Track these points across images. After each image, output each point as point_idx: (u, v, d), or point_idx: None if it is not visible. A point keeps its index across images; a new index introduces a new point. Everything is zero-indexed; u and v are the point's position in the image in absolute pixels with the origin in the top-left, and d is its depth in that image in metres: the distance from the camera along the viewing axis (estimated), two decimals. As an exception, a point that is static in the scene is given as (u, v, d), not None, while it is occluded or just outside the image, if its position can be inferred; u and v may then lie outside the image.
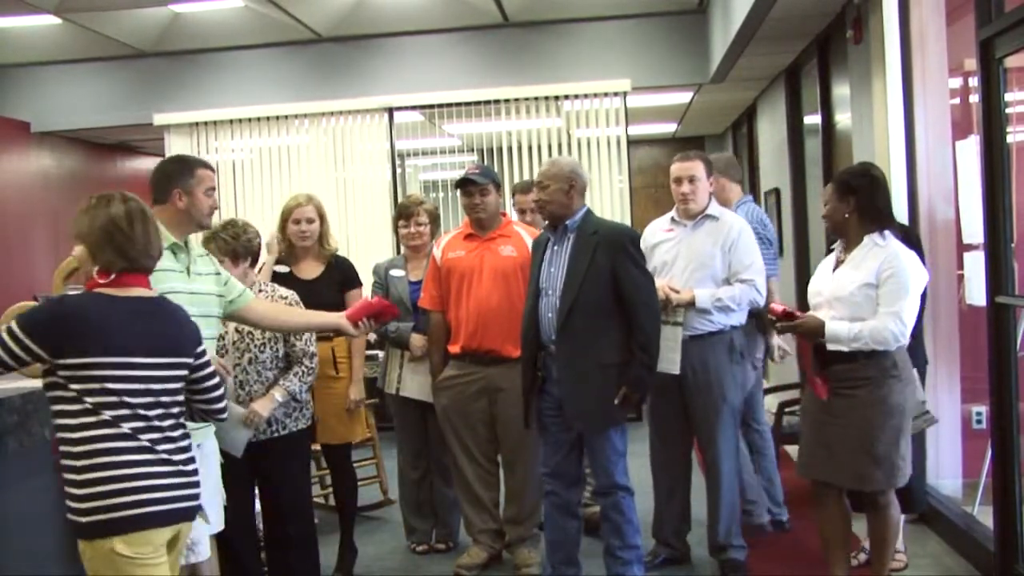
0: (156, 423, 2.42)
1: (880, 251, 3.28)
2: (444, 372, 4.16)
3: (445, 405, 4.15)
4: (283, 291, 3.70)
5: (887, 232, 3.32)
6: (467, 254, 4.10)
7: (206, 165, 3.14)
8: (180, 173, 3.03)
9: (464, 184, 4.10)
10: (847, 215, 3.34)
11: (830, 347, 3.35)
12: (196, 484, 2.50)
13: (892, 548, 3.51)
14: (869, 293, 3.26)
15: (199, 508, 2.53)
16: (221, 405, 2.68)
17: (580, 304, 3.52)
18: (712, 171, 4.08)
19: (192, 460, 2.53)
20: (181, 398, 2.54)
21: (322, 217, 4.18)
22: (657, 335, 3.60)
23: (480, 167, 4.21)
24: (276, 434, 3.54)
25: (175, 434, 2.48)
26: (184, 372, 2.52)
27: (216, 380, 2.65)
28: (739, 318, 3.95)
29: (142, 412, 2.39)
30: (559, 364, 3.58)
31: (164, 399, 2.45)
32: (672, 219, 4.07)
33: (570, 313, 3.53)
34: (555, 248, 3.66)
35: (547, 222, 3.75)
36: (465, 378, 4.09)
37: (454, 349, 4.11)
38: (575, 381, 3.53)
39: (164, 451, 2.42)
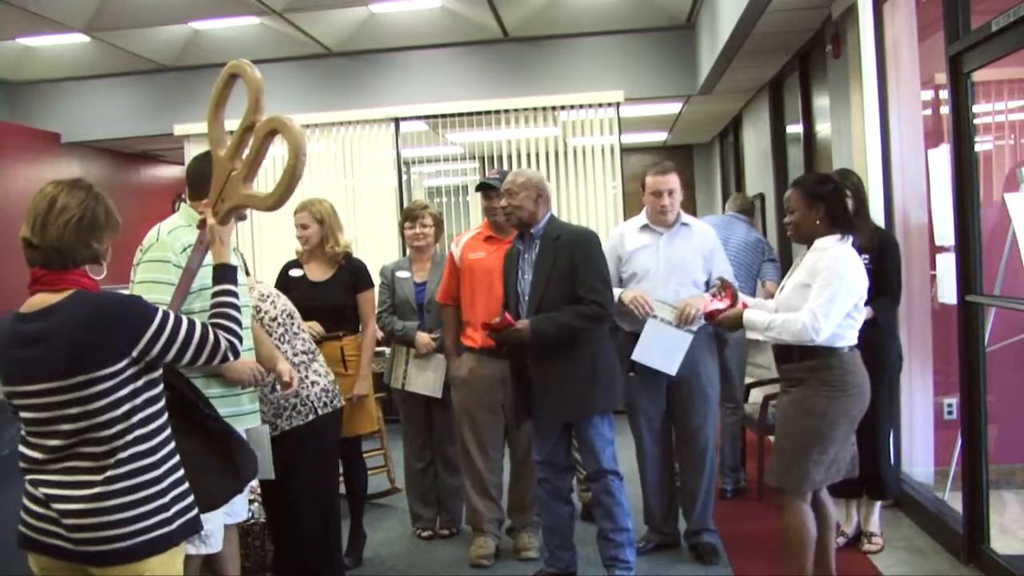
0: (46, 445, 2.06)
1: (821, 254, 3.14)
2: (463, 365, 4.11)
3: (465, 397, 4.12)
4: (265, 290, 3.55)
5: (848, 237, 3.18)
6: (487, 255, 4.07)
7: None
8: None
9: (483, 188, 4.09)
10: (817, 222, 3.18)
11: (749, 335, 3.34)
12: (56, 522, 2.04)
13: (797, 560, 3.15)
14: (804, 293, 3.12)
15: (65, 551, 2.06)
16: (218, 358, 2.21)
17: (546, 304, 3.53)
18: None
19: (74, 499, 2.03)
20: (93, 421, 2.03)
21: (321, 221, 4.06)
22: (577, 328, 3.52)
23: (500, 172, 4.18)
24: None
25: (64, 466, 2.04)
26: (91, 390, 2.01)
27: (192, 349, 2.14)
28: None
29: (33, 440, 2.09)
30: (534, 361, 3.58)
31: (64, 426, 2.03)
32: (646, 226, 4.01)
33: (538, 313, 3.54)
34: (525, 256, 3.68)
35: (515, 229, 3.73)
36: (483, 370, 4.06)
37: (472, 343, 4.09)
38: (549, 376, 3.54)
39: (29, 481, 2.09)
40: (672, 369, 3.87)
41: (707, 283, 3.92)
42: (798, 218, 3.22)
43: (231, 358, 2.25)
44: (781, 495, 3.18)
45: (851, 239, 3.18)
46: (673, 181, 3.95)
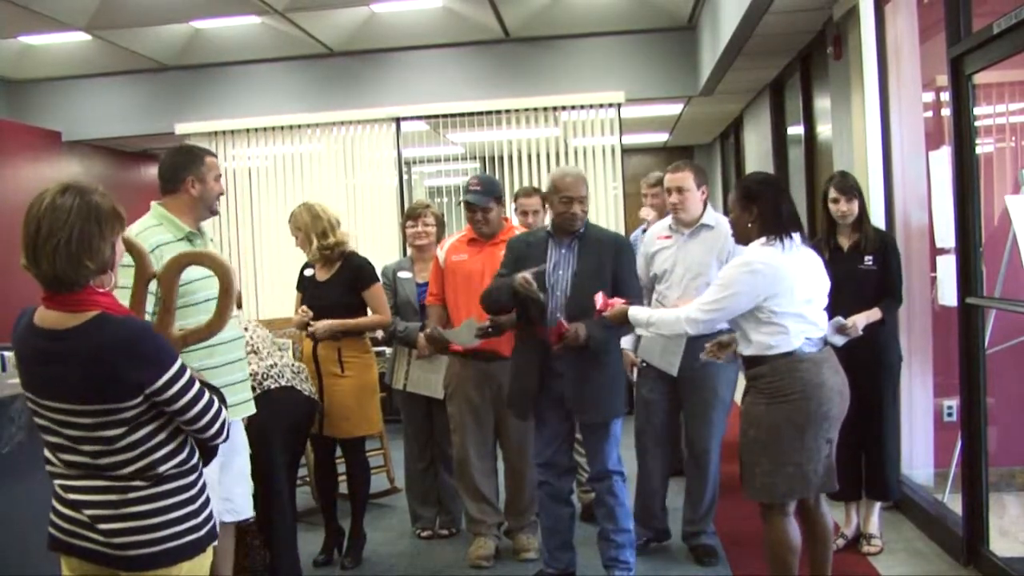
0: (67, 460, 2.04)
1: (738, 256, 3.11)
2: (452, 374, 4.10)
3: (457, 407, 4.10)
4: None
5: (785, 239, 3.01)
6: (470, 258, 4.07)
7: (212, 154, 3.11)
8: (191, 162, 3.00)
9: (466, 204, 4.03)
10: (750, 224, 3.06)
11: (638, 331, 3.28)
12: (89, 527, 2.03)
13: (778, 569, 3.10)
14: None
15: (88, 551, 2.05)
16: (212, 432, 2.10)
17: (587, 306, 3.49)
18: (704, 181, 4.00)
19: (102, 504, 2.02)
20: (112, 447, 1.99)
21: (299, 228, 4.13)
22: (621, 334, 3.58)
23: (481, 183, 4.06)
24: None
25: (83, 474, 2.02)
26: (108, 419, 1.96)
27: (196, 410, 2.05)
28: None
29: (54, 451, 2.07)
30: (567, 361, 3.53)
31: (84, 447, 2.00)
32: (670, 227, 4.03)
33: (580, 315, 3.50)
34: (561, 251, 3.62)
35: (560, 230, 3.63)
36: (470, 376, 4.05)
37: (458, 348, 4.05)
38: (582, 377, 3.53)
39: (59, 486, 2.07)
40: (672, 369, 3.88)
41: None
42: (732, 219, 3.15)
43: (223, 433, 2.13)
44: (761, 508, 3.12)
45: (782, 243, 3.01)
46: (681, 179, 3.94)
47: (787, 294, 2.98)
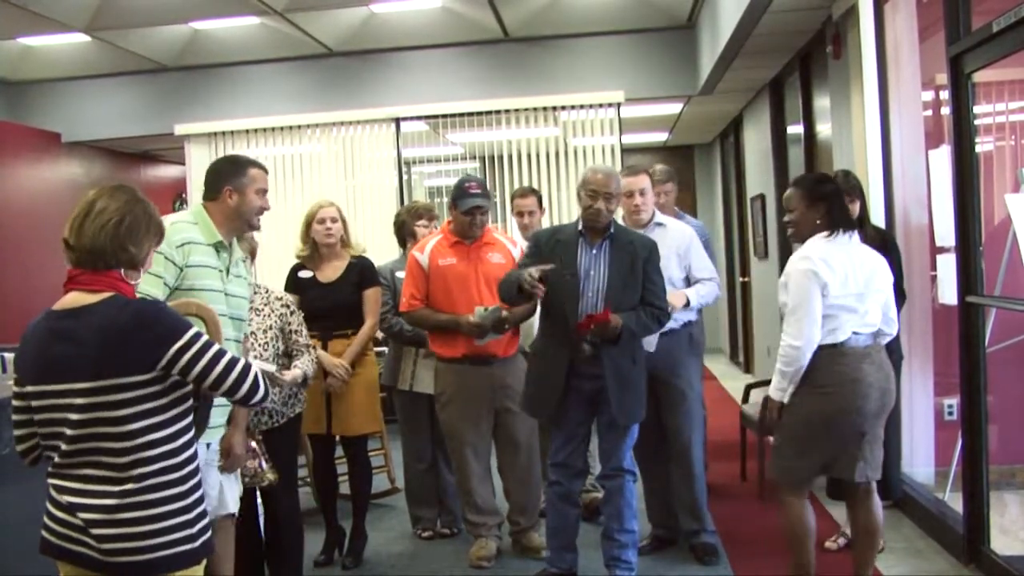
0: (61, 449, 2.04)
1: (794, 258, 3.21)
2: (444, 383, 4.08)
3: (451, 415, 4.07)
4: (281, 294, 3.67)
5: (840, 234, 3.18)
6: (459, 261, 4.02)
7: (259, 166, 2.97)
8: (232, 171, 2.90)
9: (475, 209, 3.97)
10: (817, 222, 3.20)
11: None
12: (83, 531, 2.01)
13: (793, 556, 3.27)
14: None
15: (84, 557, 2.03)
16: (246, 389, 2.14)
17: (623, 308, 3.50)
18: (654, 183, 4.14)
19: (94, 508, 2.01)
20: (114, 429, 2.00)
21: (343, 219, 4.21)
22: (650, 331, 3.65)
23: (480, 185, 4.03)
24: (276, 424, 3.51)
25: (80, 473, 2.02)
26: (116, 396, 1.99)
27: (219, 370, 2.08)
28: (694, 314, 4.04)
29: (48, 443, 2.08)
30: (604, 362, 3.52)
31: (67, 431, 2.01)
32: None
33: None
34: (592, 252, 3.60)
35: (587, 229, 3.62)
36: (467, 383, 4.02)
37: (453, 353, 4.02)
38: (618, 378, 3.53)
39: (52, 486, 2.07)
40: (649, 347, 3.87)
41: (687, 279, 3.97)
42: (797, 217, 3.25)
43: (261, 387, 2.17)
44: (779, 489, 3.31)
45: (843, 236, 3.17)
46: (643, 181, 4.01)
47: (839, 284, 3.10)
